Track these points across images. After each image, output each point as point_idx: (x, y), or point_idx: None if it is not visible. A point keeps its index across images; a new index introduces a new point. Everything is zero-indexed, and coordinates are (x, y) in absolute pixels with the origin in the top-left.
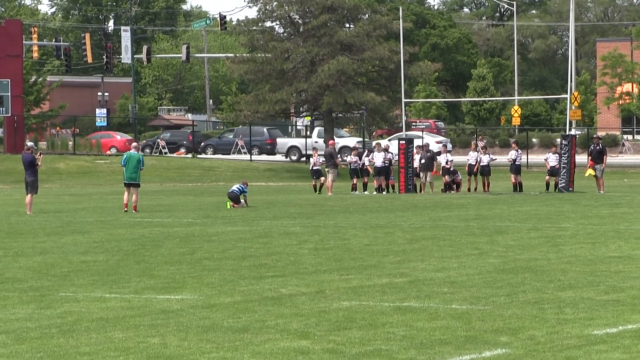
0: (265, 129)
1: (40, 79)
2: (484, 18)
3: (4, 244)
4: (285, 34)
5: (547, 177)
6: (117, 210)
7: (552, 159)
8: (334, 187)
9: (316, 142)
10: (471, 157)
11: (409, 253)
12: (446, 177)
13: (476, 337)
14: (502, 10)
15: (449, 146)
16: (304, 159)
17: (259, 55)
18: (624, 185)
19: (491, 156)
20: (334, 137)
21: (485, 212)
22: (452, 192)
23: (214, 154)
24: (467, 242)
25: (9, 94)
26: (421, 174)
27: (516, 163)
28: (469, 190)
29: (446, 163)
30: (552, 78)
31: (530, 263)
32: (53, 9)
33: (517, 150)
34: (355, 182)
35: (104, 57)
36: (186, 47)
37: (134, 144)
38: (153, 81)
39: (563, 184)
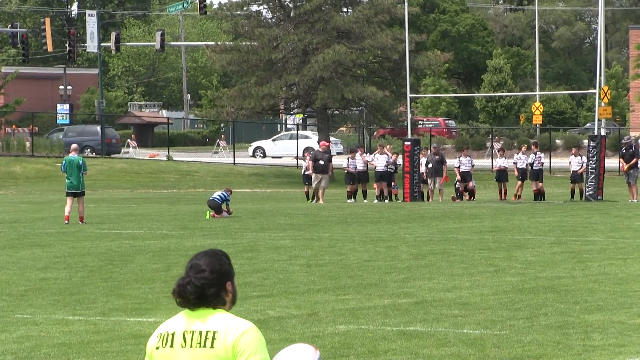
0: (97, 128)
1: None
2: (501, 2)
3: None
4: (273, 20)
5: (571, 185)
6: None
7: (573, 163)
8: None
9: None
10: (519, 160)
11: (415, 270)
12: (464, 183)
13: None
14: None
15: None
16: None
17: (244, 43)
18: None
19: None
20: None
21: (502, 223)
22: (461, 200)
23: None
24: (481, 258)
25: None
26: (429, 180)
27: (534, 168)
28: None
29: (471, 167)
30: (579, 70)
31: (553, 282)
32: None
33: (535, 153)
34: (349, 189)
35: (67, 45)
36: (160, 34)
37: (74, 145)
38: (122, 73)
39: (591, 192)
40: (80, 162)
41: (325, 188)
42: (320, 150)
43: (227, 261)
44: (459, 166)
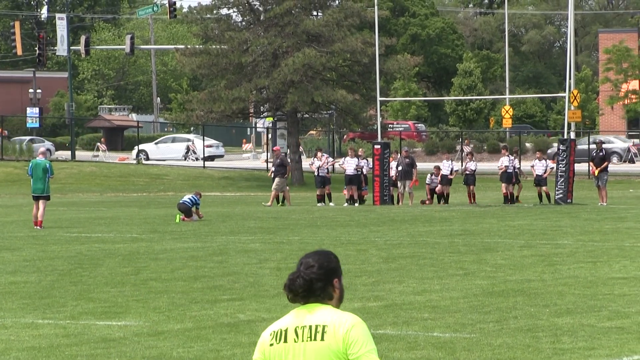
0: None
1: None
2: (470, 5)
3: None
4: (243, 23)
5: (537, 188)
6: (51, 223)
7: (537, 167)
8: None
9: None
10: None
11: (385, 273)
12: (444, 187)
13: None
14: None
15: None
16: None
17: (214, 47)
18: (630, 197)
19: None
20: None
21: (471, 226)
22: (431, 202)
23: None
24: (451, 261)
25: None
26: (399, 183)
27: (508, 171)
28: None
29: (450, 173)
30: (548, 74)
31: (523, 285)
32: None
33: (508, 157)
34: (318, 193)
35: (36, 48)
36: (130, 37)
37: (42, 149)
38: (92, 76)
39: (560, 195)
40: (47, 165)
41: (279, 191)
42: (275, 155)
43: (335, 260)
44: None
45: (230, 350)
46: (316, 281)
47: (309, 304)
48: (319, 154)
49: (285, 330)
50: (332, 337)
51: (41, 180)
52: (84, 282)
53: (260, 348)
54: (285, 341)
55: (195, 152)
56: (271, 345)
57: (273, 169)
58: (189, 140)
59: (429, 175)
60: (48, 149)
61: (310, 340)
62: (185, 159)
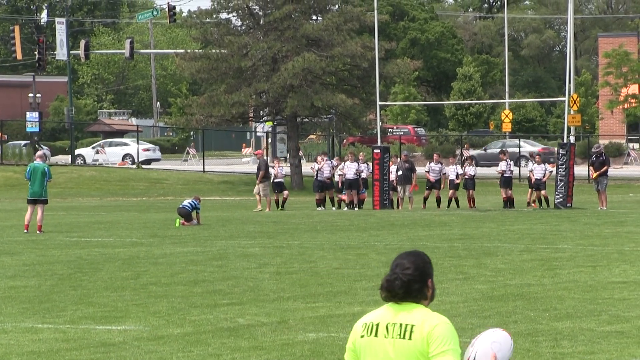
0: None
1: None
2: (470, 10)
3: None
4: (243, 27)
5: (536, 192)
6: (51, 228)
7: (536, 171)
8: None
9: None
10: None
11: None
12: (471, 190)
13: None
14: (491, 0)
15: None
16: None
17: (213, 51)
18: (630, 201)
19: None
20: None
21: (471, 231)
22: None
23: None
24: (451, 266)
25: None
26: (398, 188)
27: (505, 175)
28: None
29: (457, 177)
30: (548, 78)
31: (523, 289)
32: None
33: (506, 161)
34: (317, 197)
35: (36, 53)
36: (130, 41)
37: (39, 152)
38: (92, 81)
39: (560, 199)
40: (45, 169)
41: (269, 195)
42: (260, 159)
43: (428, 260)
44: (429, 172)
45: (230, 355)
46: (413, 283)
47: (404, 303)
48: (319, 158)
49: (377, 325)
50: (418, 336)
51: (39, 184)
52: (84, 287)
53: (352, 338)
54: (376, 335)
55: (195, 156)
56: (362, 336)
57: (282, 171)
58: (125, 144)
59: (428, 164)
60: (44, 153)
61: (400, 338)
62: (185, 162)
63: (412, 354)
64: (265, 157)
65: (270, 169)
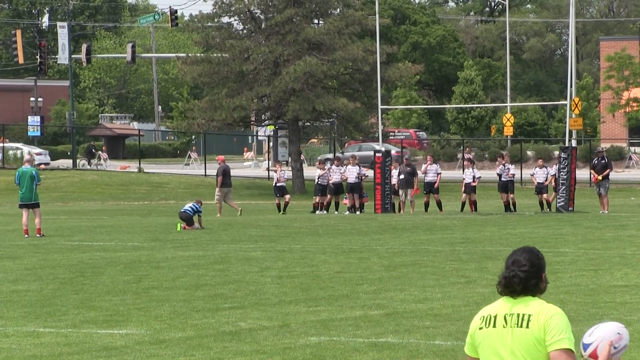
0: None
1: None
2: (472, 13)
3: None
4: (244, 31)
5: (539, 196)
6: (52, 232)
7: (539, 174)
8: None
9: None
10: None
11: (386, 281)
12: (470, 194)
13: None
14: (493, 4)
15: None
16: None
17: (215, 55)
18: (632, 204)
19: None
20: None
21: (473, 234)
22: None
23: None
24: (453, 269)
25: None
26: (400, 192)
27: (503, 180)
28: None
29: (473, 180)
30: (550, 82)
31: None
32: None
33: (503, 165)
34: (317, 200)
35: (38, 57)
36: (131, 45)
37: (27, 157)
38: (94, 85)
39: (562, 203)
40: (34, 172)
41: (229, 200)
42: (220, 164)
43: (542, 256)
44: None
45: (232, 359)
46: (530, 278)
47: (519, 297)
48: (321, 164)
49: (495, 316)
50: (536, 325)
51: (29, 189)
52: (86, 291)
53: (470, 331)
54: (494, 326)
55: (197, 160)
56: (480, 328)
57: (284, 175)
58: (18, 149)
59: (423, 165)
60: (30, 157)
61: (517, 327)
62: (187, 166)
63: (528, 341)
64: (226, 163)
65: (272, 173)
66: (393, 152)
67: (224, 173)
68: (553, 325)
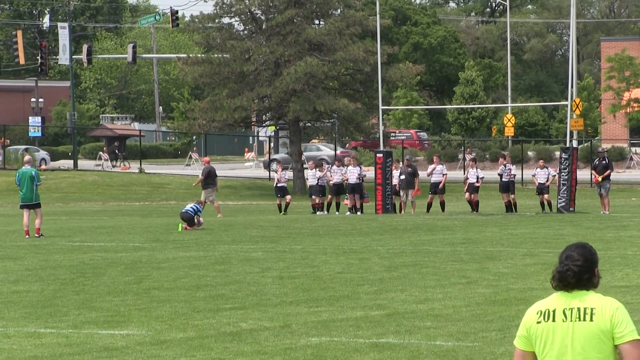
0: None
1: None
2: (472, 14)
3: None
4: (245, 32)
5: (540, 196)
6: (53, 232)
7: (540, 175)
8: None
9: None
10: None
11: (387, 282)
12: (472, 195)
13: None
14: (494, 5)
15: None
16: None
17: (216, 55)
18: (632, 205)
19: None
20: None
21: (474, 235)
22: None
23: None
24: (454, 270)
25: None
26: (401, 192)
27: (504, 180)
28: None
29: (477, 180)
30: (551, 82)
31: (526, 293)
32: None
33: (504, 165)
34: (317, 200)
35: (39, 57)
36: (132, 46)
37: (27, 157)
38: (94, 85)
39: (563, 204)
40: (33, 173)
41: (211, 201)
42: (205, 165)
43: (594, 251)
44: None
45: (233, 359)
46: (584, 273)
47: (574, 291)
48: (321, 166)
49: (553, 311)
50: (601, 318)
51: (29, 189)
52: (87, 291)
53: (525, 325)
54: (554, 320)
55: (198, 161)
56: (538, 322)
57: (285, 176)
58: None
59: (429, 167)
60: (30, 158)
61: (579, 320)
62: (187, 167)
63: (593, 334)
64: (210, 164)
65: (273, 174)
66: (339, 152)
67: (209, 174)
68: (620, 318)
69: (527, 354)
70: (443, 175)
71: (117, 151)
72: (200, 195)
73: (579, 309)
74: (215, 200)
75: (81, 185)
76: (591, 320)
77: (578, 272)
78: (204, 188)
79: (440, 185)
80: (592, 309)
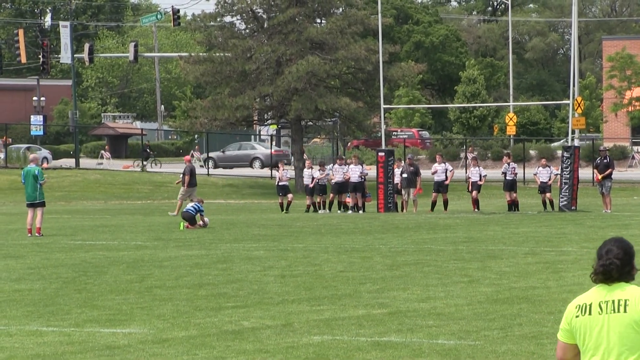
0: None
1: None
2: (474, 13)
3: None
4: (247, 31)
5: (542, 195)
6: (55, 231)
7: (542, 174)
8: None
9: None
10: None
11: (389, 281)
12: (476, 192)
13: None
14: (495, 4)
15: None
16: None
17: (217, 54)
18: (634, 204)
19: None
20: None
21: (476, 234)
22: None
23: None
24: (456, 268)
25: None
26: (403, 191)
27: (508, 178)
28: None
29: (480, 178)
30: (552, 81)
31: (528, 292)
32: None
33: (508, 164)
34: (319, 199)
35: (40, 56)
36: (134, 45)
37: (32, 156)
38: (96, 84)
39: (565, 202)
40: (37, 172)
41: (183, 200)
42: (187, 164)
43: (631, 245)
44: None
45: (235, 358)
46: (624, 266)
47: (614, 284)
48: (322, 166)
49: (590, 305)
50: (634, 309)
51: (33, 188)
52: (89, 290)
53: (567, 319)
54: (590, 314)
55: (199, 159)
56: (577, 317)
57: (287, 175)
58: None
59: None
60: (35, 156)
61: (614, 312)
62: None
63: (627, 324)
64: (192, 163)
65: (275, 172)
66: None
67: (191, 173)
68: None
69: (569, 347)
70: (450, 171)
71: (148, 150)
72: (198, 194)
73: (613, 301)
74: (196, 197)
75: (83, 184)
76: (625, 311)
77: (620, 265)
78: (189, 186)
79: (447, 181)
80: (626, 301)
